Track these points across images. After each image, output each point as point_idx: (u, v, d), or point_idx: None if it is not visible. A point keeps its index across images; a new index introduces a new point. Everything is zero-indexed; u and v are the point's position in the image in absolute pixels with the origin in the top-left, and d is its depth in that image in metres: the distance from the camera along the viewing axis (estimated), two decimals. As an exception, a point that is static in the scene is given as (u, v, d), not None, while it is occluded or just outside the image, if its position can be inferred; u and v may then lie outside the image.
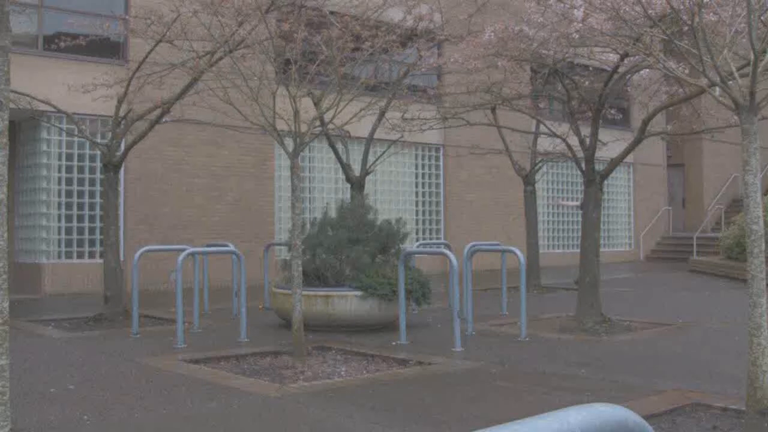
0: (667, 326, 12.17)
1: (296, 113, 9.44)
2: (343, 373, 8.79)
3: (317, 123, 10.98)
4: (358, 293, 11.37)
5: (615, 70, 11.86)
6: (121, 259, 13.83)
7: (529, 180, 17.71)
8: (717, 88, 6.18)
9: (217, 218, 18.43)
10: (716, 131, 12.28)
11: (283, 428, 6.45)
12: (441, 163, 23.48)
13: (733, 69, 6.06)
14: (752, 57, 5.75)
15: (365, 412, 6.90)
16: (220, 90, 9.96)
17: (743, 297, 6.03)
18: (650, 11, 7.47)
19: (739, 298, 6.67)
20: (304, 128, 9.74)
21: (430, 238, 22.74)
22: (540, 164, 18.18)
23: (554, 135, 13.04)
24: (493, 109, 15.06)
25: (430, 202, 23.43)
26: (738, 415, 6.46)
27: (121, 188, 15.90)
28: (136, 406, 7.08)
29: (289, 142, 9.95)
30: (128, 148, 13.00)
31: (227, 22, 10.61)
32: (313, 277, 11.51)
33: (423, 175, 23.35)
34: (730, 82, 6.00)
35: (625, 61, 11.58)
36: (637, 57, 10.87)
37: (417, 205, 23.24)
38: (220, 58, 11.29)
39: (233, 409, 7.00)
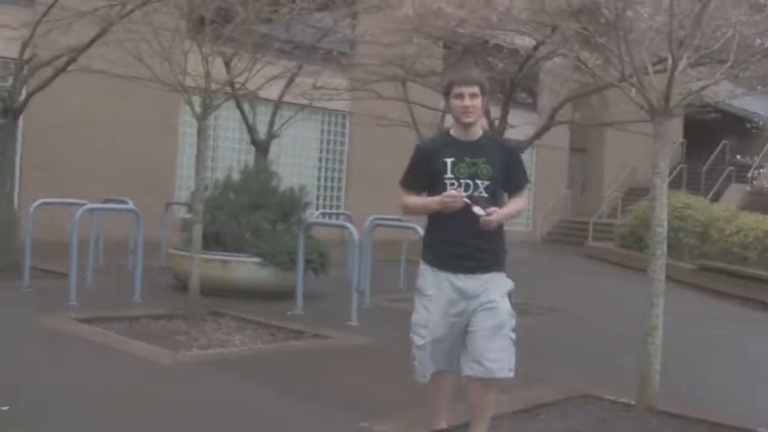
0: (565, 312, 12.34)
1: (207, 75, 9.23)
2: (237, 342, 8.69)
3: (228, 86, 10.76)
4: (257, 260, 11.24)
5: (530, 55, 11.89)
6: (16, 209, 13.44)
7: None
8: (633, 88, 6.19)
9: (119, 172, 17.97)
10: (624, 124, 12.42)
11: (174, 399, 6.33)
12: (347, 131, 23.35)
13: (650, 70, 6.07)
14: (670, 62, 5.78)
15: (258, 385, 6.84)
16: (129, 42, 9.69)
17: (639, 288, 6.10)
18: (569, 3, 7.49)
19: (636, 289, 6.77)
20: (214, 89, 9.53)
21: (332, 207, 22.63)
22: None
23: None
24: (404, 83, 14.98)
25: (333, 170, 23.30)
26: (627, 408, 6.55)
27: (19, 135, 15.39)
28: (21, 368, 6.88)
29: (197, 101, 9.70)
30: (30, 95, 12.59)
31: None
32: (212, 241, 11.30)
33: (328, 141, 23.20)
34: (646, 81, 6.01)
35: (541, 48, 11.62)
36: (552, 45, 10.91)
37: (320, 172, 23.06)
38: (132, 11, 10.97)
39: (124, 376, 6.87)
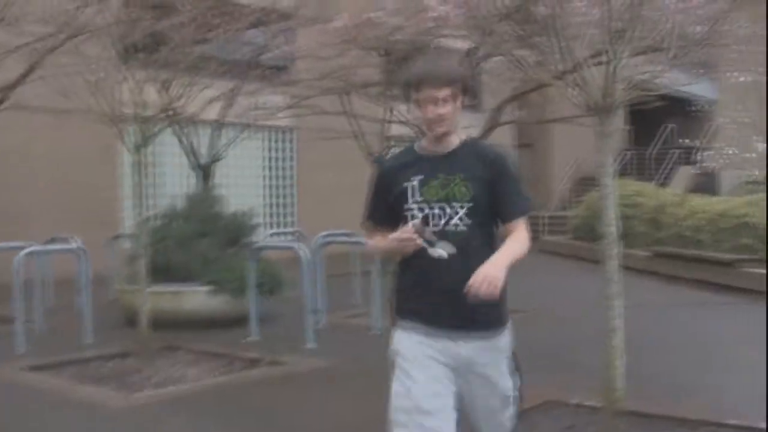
0: (523, 312, 12.23)
1: (141, 104, 9.02)
2: (192, 376, 8.48)
3: (165, 112, 10.56)
4: (208, 288, 11.04)
5: (468, 57, 11.77)
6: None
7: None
8: (574, 89, 6.07)
9: (64, 207, 17.64)
10: (567, 120, 12.34)
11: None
12: (293, 147, 23.16)
13: (589, 66, 5.95)
14: (608, 57, 5.67)
15: (212, 423, 6.66)
16: (62, 76, 9.46)
17: (595, 281, 5.99)
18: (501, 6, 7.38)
19: (591, 283, 6.70)
20: (150, 115, 9.32)
21: (286, 224, 22.41)
22: (393, 147, 18.00)
23: (404, 123, 12.88)
24: (346, 95, 14.83)
25: (283, 186, 23.08)
26: (593, 412, 6.45)
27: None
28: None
29: (135, 131, 9.46)
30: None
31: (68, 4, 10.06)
32: (161, 272, 11.06)
33: (276, 159, 22.98)
34: (585, 77, 5.88)
35: (479, 49, 11.51)
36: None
37: (270, 190, 22.81)
38: (63, 43, 10.70)
39: (74, 426, 6.65)
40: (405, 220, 3.87)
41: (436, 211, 3.86)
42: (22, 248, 10.54)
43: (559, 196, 31.03)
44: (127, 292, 11.15)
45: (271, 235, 16.82)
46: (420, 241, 3.74)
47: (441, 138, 3.90)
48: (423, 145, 4.03)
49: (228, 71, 14.16)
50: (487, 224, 3.90)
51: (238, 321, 10.79)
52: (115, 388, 7.84)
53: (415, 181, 3.90)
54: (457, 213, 3.82)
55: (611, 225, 5.82)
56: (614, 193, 5.83)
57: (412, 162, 3.98)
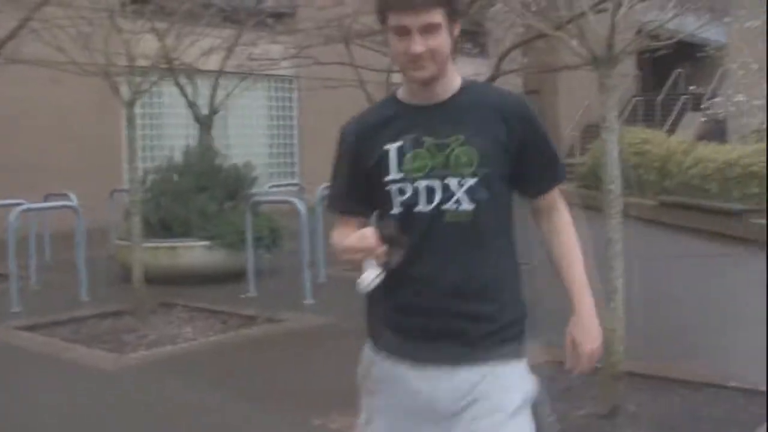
0: (525, 265, 12.06)
1: (130, 61, 8.82)
2: (188, 334, 8.38)
3: (162, 62, 10.36)
4: (206, 243, 10.89)
5: (471, 3, 11.52)
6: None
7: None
8: (574, 39, 5.84)
9: (64, 161, 17.48)
10: (572, 68, 12.11)
11: (116, 409, 6.04)
12: (294, 97, 22.86)
13: (591, 15, 5.72)
14: (612, 6, 5.45)
15: (205, 385, 6.55)
16: (53, 29, 9.24)
17: (601, 233, 5.78)
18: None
19: (598, 235, 6.47)
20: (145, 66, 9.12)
21: (287, 175, 22.19)
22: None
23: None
24: (346, 44, 14.58)
25: (284, 136, 22.83)
26: (591, 373, 6.30)
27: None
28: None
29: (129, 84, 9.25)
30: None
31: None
32: (159, 227, 10.94)
33: (277, 108, 22.71)
34: (586, 27, 5.65)
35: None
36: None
37: (272, 140, 22.59)
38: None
39: (66, 389, 6.55)
40: (388, 201, 2.70)
41: (423, 187, 2.66)
42: (18, 205, 10.41)
43: (568, 142, 30.75)
44: (124, 247, 11.02)
45: (271, 187, 16.61)
46: (381, 254, 2.54)
47: (429, 83, 2.68)
48: (405, 97, 2.78)
49: (227, 19, 13.92)
50: (501, 202, 2.73)
51: (237, 276, 10.65)
52: (108, 349, 7.73)
53: (392, 150, 2.69)
54: (454, 192, 2.64)
55: (613, 182, 5.63)
56: (616, 149, 5.61)
57: (392, 117, 2.76)
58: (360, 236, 2.55)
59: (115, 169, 18.30)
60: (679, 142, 19.73)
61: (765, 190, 14.29)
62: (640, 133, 20.40)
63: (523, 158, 2.75)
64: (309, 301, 9.53)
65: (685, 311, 9.11)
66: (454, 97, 2.73)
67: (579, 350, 2.81)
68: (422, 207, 2.66)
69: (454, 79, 2.75)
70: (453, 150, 2.65)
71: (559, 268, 2.88)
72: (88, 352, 7.61)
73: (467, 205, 2.65)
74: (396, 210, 2.69)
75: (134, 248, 9.05)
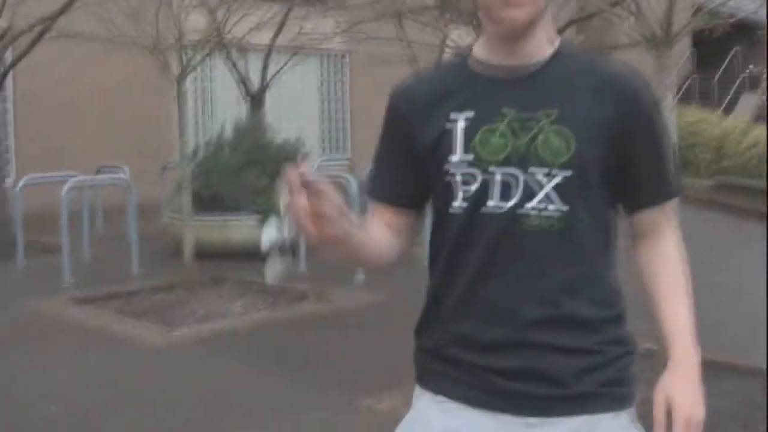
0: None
1: (181, 36, 8.80)
2: (238, 309, 8.38)
3: (212, 36, 10.33)
4: (256, 218, 10.87)
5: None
6: (12, 182, 13.10)
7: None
8: (631, 17, 5.69)
9: (114, 136, 17.56)
10: (628, 47, 11.92)
11: (164, 385, 6.02)
12: (346, 72, 22.77)
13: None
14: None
15: (253, 363, 6.53)
16: (104, 4, 9.26)
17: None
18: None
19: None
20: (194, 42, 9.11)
21: (337, 153, 22.13)
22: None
23: (457, 48, 12.52)
24: (399, 20, 14.47)
25: (336, 111, 22.76)
26: (649, 354, 6.19)
27: (10, 106, 15.05)
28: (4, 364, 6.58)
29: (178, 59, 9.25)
30: (10, 68, 12.17)
31: None
32: (209, 202, 10.94)
33: (328, 84, 22.64)
34: (644, 5, 5.50)
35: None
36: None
37: (322, 119, 22.52)
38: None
39: (114, 364, 6.56)
40: (441, 197, 2.06)
41: (498, 180, 1.97)
42: (70, 179, 10.48)
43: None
44: (176, 222, 11.05)
45: (322, 163, 16.58)
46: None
47: (519, 37, 1.97)
48: (482, 55, 2.06)
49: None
50: (601, 208, 2.02)
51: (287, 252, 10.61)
52: (156, 323, 7.74)
53: (460, 122, 2.00)
54: (541, 187, 1.95)
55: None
56: (674, 132, 5.43)
57: (458, 86, 2.06)
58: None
59: (166, 144, 18.35)
60: (736, 123, 19.41)
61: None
62: (695, 112, 20.10)
63: (629, 157, 2.03)
64: (360, 277, 9.47)
65: (743, 298, 8.91)
66: (546, 64, 2.02)
67: (676, 415, 1.93)
68: (495, 205, 1.96)
69: (547, 43, 2.04)
70: (542, 129, 1.95)
71: (656, 305, 2.08)
72: (137, 326, 7.64)
73: (558, 207, 1.95)
74: (458, 206, 2.01)
75: (185, 223, 9.04)
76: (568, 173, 1.94)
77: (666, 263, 2.10)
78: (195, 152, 11.54)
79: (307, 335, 7.43)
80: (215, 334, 7.39)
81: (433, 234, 2.14)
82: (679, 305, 2.06)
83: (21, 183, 11.07)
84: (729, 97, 29.19)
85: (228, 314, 8.17)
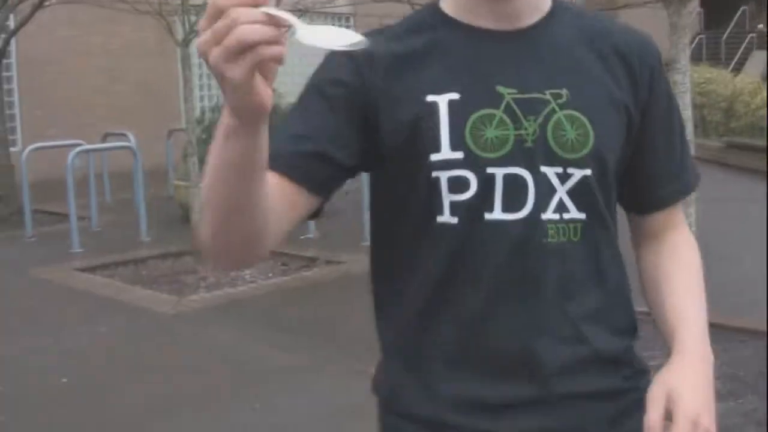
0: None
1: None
2: (248, 276, 8.30)
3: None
4: (265, 184, 10.80)
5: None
6: (19, 149, 13.05)
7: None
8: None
9: (120, 101, 17.43)
10: (635, 6, 11.78)
11: (174, 353, 5.99)
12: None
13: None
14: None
15: (266, 331, 6.46)
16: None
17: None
18: None
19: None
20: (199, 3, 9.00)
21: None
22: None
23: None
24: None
25: (342, 76, 22.59)
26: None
27: (14, 74, 14.95)
28: (12, 332, 6.56)
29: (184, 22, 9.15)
30: (12, 34, 12.07)
31: None
32: (217, 168, 10.86)
33: (334, 48, 22.46)
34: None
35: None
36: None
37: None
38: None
39: (124, 331, 6.52)
40: (420, 202, 1.52)
41: (501, 179, 1.48)
42: (77, 145, 10.42)
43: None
44: (183, 188, 10.98)
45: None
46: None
47: None
48: (461, 16, 1.57)
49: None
50: (611, 215, 1.59)
51: (296, 217, 10.54)
52: (167, 291, 7.72)
53: (442, 106, 1.48)
54: (554, 191, 1.50)
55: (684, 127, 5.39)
56: (689, 92, 5.36)
57: (438, 44, 1.55)
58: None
59: (172, 109, 18.27)
60: (746, 83, 19.25)
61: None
62: (704, 72, 19.92)
63: (642, 145, 1.61)
64: (368, 243, 9.40)
65: (754, 259, 8.83)
66: (544, 22, 1.56)
67: (680, 414, 1.41)
68: (500, 215, 1.48)
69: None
70: (553, 114, 1.49)
71: (659, 294, 1.64)
72: (147, 294, 7.61)
73: (573, 216, 1.51)
74: (445, 216, 1.49)
75: (193, 189, 8.99)
76: (587, 172, 1.50)
77: (677, 251, 1.67)
78: (201, 117, 11.45)
79: (318, 301, 7.39)
80: (225, 302, 7.36)
81: (395, 256, 1.63)
82: (689, 294, 1.61)
83: (25, 152, 11.01)
84: (737, 56, 28.96)
85: (238, 281, 8.12)
